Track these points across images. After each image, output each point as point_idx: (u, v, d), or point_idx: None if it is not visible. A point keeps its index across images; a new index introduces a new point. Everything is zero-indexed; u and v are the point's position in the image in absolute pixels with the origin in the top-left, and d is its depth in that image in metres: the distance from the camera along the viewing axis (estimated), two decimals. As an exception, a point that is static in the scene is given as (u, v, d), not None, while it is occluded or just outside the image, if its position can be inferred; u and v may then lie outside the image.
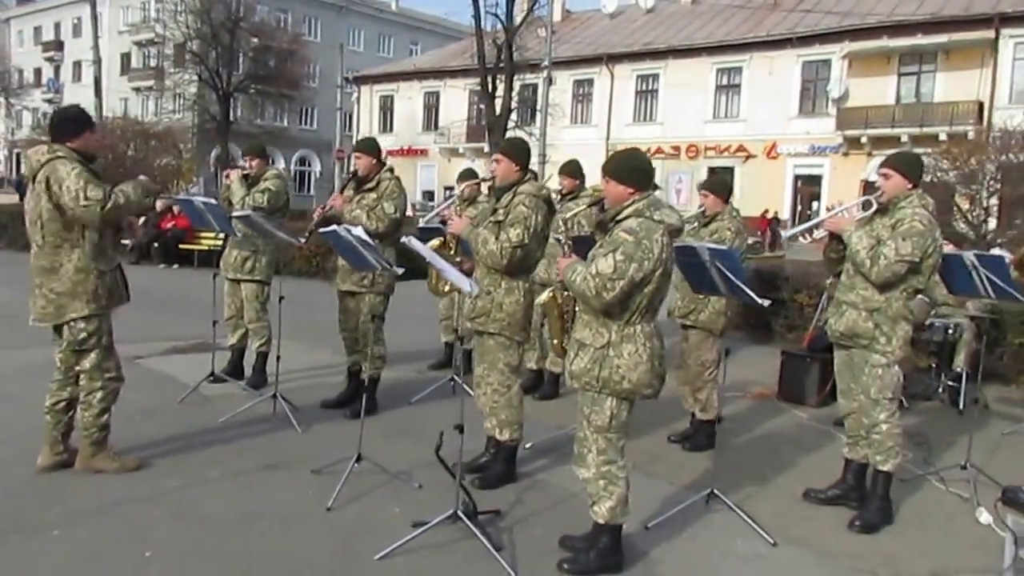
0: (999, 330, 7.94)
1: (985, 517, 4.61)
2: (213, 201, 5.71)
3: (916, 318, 7.52)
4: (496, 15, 27.43)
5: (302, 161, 52.68)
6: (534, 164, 23.70)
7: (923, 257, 4.19)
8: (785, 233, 4.77)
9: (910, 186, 4.31)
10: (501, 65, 27.48)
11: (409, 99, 42.81)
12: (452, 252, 4.71)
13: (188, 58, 37.53)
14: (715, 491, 4.48)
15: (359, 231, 4.14)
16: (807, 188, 32.00)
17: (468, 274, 4.71)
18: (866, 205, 4.41)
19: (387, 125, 43.86)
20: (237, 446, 5.16)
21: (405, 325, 7.76)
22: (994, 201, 16.45)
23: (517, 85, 31.61)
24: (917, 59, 28.90)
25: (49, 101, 55.16)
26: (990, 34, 26.81)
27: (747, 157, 32.92)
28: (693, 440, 5.77)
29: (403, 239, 4.04)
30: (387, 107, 44.07)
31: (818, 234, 4.54)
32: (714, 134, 33.67)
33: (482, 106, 29.10)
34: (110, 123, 22.03)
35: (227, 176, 6.37)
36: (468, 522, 3.87)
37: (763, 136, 32.35)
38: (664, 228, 3.44)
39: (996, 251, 12.66)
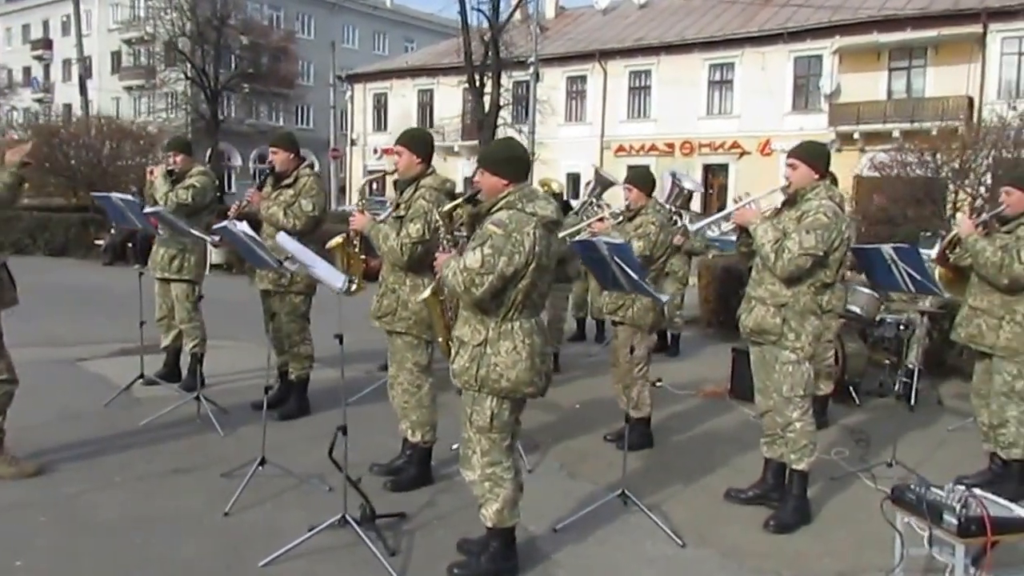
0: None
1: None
2: (131, 197, 5.63)
3: (867, 314, 7.50)
4: (482, 12, 27.34)
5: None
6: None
7: (828, 250, 4.09)
8: (691, 227, 4.68)
9: (817, 177, 4.21)
10: (489, 63, 27.36)
11: (403, 97, 42.68)
12: (356, 249, 4.62)
13: (175, 56, 37.37)
14: (626, 492, 4.39)
15: (244, 226, 4.04)
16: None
17: (376, 272, 4.64)
18: (774, 195, 4.30)
19: (381, 123, 43.73)
20: (151, 450, 5.08)
21: (360, 324, 7.69)
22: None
23: (509, 83, 31.57)
24: (907, 54, 28.70)
25: (40, 100, 55.18)
26: (978, 29, 26.61)
27: (741, 154, 32.70)
28: (627, 439, 5.66)
29: (223, 223, 3.95)
30: (381, 105, 43.95)
31: (726, 226, 4.44)
32: (708, 131, 33.46)
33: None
34: (87, 122, 22.00)
35: (151, 172, 6.27)
36: (356, 526, 3.78)
37: (757, 132, 32.14)
38: (537, 221, 3.34)
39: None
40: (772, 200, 4.32)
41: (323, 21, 52.23)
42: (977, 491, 3.35)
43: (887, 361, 7.73)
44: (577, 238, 4.86)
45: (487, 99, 27.86)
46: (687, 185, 8.23)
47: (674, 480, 5.05)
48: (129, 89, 50.27)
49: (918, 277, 4.69)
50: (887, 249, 4.75)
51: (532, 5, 27.95)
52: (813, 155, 4.25)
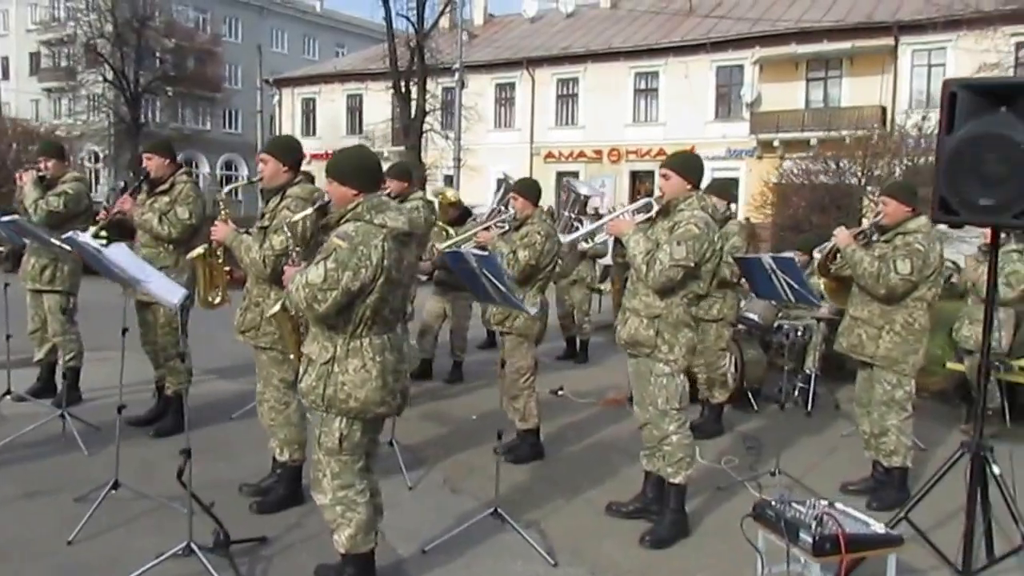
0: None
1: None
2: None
3: (764, 321, 7.54)
4: (407, 18, 27.12)
5: (228, 165, 51.43)
6: (449, 168, 23.34)
7: (700, 261, 4.03)
8: (564, 239, 4.59)
9: (689, 187, 4.15)
10: (415, 69, 27.13)
11: (332, 102, 42.07)
12: (220, 260, 4.41)
13: (93, 58, 36.17)
14: (499, 509, 4.26)
15: (87, 236, 3.80)
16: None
17: (241, 283, 4.43)
18: (647, 207, 4.23)
19: (310, 128, 43.02)
20: (5, 472, 4.77)
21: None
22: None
23: (438, 88, 31.36)
24: (824, 65, 29.40)
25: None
26: (890, 41, 27.39)
27: (667, 160, 33.05)
28: (516, 452, 5.56)
29: (69, 234, 3.72)
30: (309, 110, 43.25)
31: (600, 237, 4.35)
32: (635, 138, 33.75)
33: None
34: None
35: (19, 178, 5.93)
36: (201, 554, 3.57)
37: (682, 140, 32.38)
38: (387, 233, 3.18)
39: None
40: (647, 211, 4.24)
41: (251, 24, 51.21)
42: (839, 506, 3.32)
43: (786, 367, 7.78)
44: (450, 248, 4.74)
45: (414, 105, 27.58)
46: (582, 191, 8.18)
47: (558, 494, 4.94)
48: (48, 91, 48.57)
49: (796, 287, 4.67)
50: (767, 259, 4.73)
51: (459, 12, 27.69)
52: (686, 166, 4.19)
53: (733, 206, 27.51)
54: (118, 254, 3.50)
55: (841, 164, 12.93)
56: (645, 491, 4.56)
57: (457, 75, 25.23)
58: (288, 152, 4.32)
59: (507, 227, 5.48)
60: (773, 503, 3.24)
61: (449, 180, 27.79)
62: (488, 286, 3.93)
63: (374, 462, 3.58)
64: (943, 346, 7.68)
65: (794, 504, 3.21)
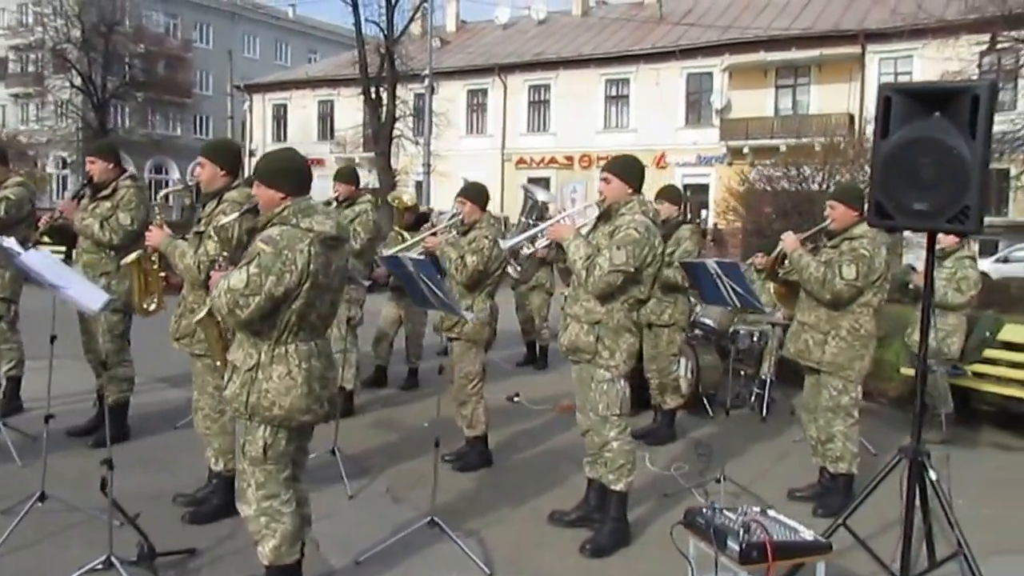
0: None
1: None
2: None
3: (720, 326, 7.53)
4: (377, 24, 27.02)
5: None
6: (420, 174, 23.08)
7: (640, 266, 3.99)
8: (504, 244, 4.52)
9: (630, 191, 4.12)
10: (385, 75, 27.03)
11: (303, 108, 41.87)
12: (155, 266, 4.31)
13: (60, 64, 35.71)
14: (435, 518, 4.18)
15: (11, 241, 3.69)
16: (695, 197, 32.43)
17: (179, 289, 4.34)
18: (589, 210, 4.19)
19: (281, 134, 42.80)
20: (-67, 484, 4.63)
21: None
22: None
23: (410, 95, 31.26)
24: (792, 72, 29.72)
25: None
26: (857, 50, 27.76)
27: (638, 167, 33.17)
28: (464, 459, 5.49)
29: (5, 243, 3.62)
30: (280, 116, 43.01)
31: (541, 242, 4.31)
32: (606, 144, 33.75)
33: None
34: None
35: None
36: (120, 568, 3.47)
37: (653, 146, 32.60)
38: (313, 237, 3.11)
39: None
40: (588, 215, 4.20)
41: (223, 30, 50.84)
42: (771, 513, 3.28)
43: (743, 372, 7.79)
44: (389, 253, 4.67)
45: (384, 111, 27.47)
46: (540, 196, 8.12)
47: (503, 502, 4.88)
48: (16, 97, 47.98)
49: (741, 292, 4.65)
50: (712, 264, 4.71)
51: (429, 18, 27.64)
52: (627, 170, 4.16)
53: (704, 212, 27.74)
54: (34, 259, 3.40)
55: (803, 170, 13.02)
56: (588, 499, 4.50)
57: (427, 81, 25.15)
58: (226, 155, 4.24)
59: (455, 232, 5.42)
60: (704, 510, 3.19)
61: (419, 186, 27.67)
62: (426, 290, 3.87)
63: (302, 471, 3.50)
64: (898, 351, 7.70)
65: (725, 511, 3.17)
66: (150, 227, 4.20)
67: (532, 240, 4.30)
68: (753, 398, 7.46)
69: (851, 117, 27.52)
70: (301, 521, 3.37)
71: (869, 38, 27.72)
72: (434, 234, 5.44)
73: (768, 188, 12.94)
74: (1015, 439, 6.89)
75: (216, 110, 46.25)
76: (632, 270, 3.95)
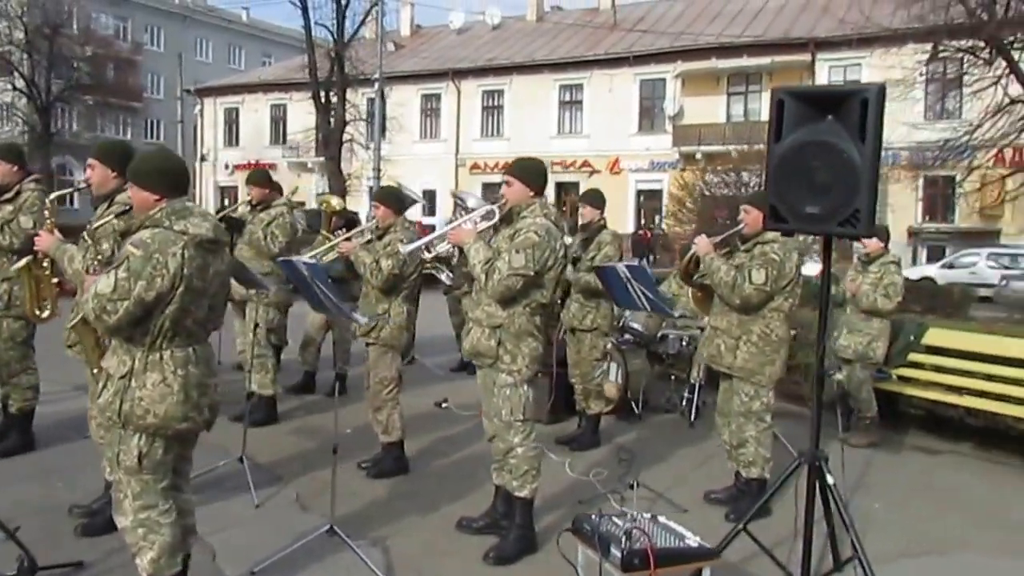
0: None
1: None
2: None
3: (648, 330, 7.52)
4: (327, 27, 26.81)
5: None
6: (371, 179, 22.74)
7: (541, 270, 3.94)
8: (403, 248, 4.44)
9: (532, 194, 4.07)
10: (334, 79, 26.81)
11: (255, 112, 41.44)
12: (48, 272, 4.17)
13: (2, 66, 34.83)
14: (334, 527, 4.09)
15: None
16: (649, 203, 32.72)
17: (74, 295, 4.19)
18: (489, 215, 4.13)
19: (233, 139, 42.36)
20: None
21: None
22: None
23: (363, 99, 31.04)
24: (744, 79, 30.09)
25: None
26: (807, 57, 28.17)
27: (592, 172, 33.34)
28: (379, 466, 5.40)
29: None
30: (232, 120, 42.53)
31: (442, 247, 4.24)
32: (559, 149, 33.95)
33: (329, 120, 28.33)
34: None
35: None
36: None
37: (606, 152, 32.88)
38: (188, 240, 3.01)
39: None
40: (490, 219, 4.14)
41: (174, 33, 50.07)
42: (661, 519, 3.24)
43: (673, 377, 7.79)
44: (295, 258, 4.57)
45: (334, 115, 27.24)
46: (470, 203, 8.08)
47: (414, 509, 4.79)
48: (-39, 100, 46.88)
49: (651, 296, 4.62)
50: (621, 268, 4.68)
51: (379, 22, 27.47)
52: (529, 172, 4.10)
53: (657, 218, 27.78)
54: None
55: (742, 175, 13.14)
56: (495, 505, 4.44)
57: (376, 85, 25.00)
58: (117, 157, 4.10)
59: (371, 237, 5.33)
60: (592, 517, 3.14)
61: (372, 191, 27.44)
62: (320, 295, 3.78)
63: (185, 481, 3.39)
64: (827, 356, 7.74)
65: (613, 518, 3.12)
66: (40, 231, 4.05)
67: (435, 243, 4.22)
68: (684, 403, 7.46)
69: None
70: (183, 532, 3.25)
71: (819, 46, 28.17)
72: (348, 239, 5.35)
73: (707, 193, 13.02)
74: (940, 442, 6.96)
75: (167, 114, 45.58)
76: (532, 274, 3.90)
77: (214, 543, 4.16)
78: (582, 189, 33.62)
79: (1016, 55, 16.41)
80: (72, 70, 36.49)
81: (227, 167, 41.36)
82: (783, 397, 8.35)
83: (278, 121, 40.70)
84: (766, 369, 4.72)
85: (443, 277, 8.84)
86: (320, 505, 4.79)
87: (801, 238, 4.70)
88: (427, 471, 5.57)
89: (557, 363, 6.71)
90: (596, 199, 6.19)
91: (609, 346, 7.46)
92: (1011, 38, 16.28)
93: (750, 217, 4.84)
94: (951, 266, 23.33)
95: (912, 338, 7.14)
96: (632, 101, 32.41)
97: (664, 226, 28.91)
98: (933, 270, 23.42)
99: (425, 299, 6.86)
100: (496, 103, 35.36)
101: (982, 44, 16.83)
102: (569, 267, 6.10)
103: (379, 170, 25.07)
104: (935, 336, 7.16)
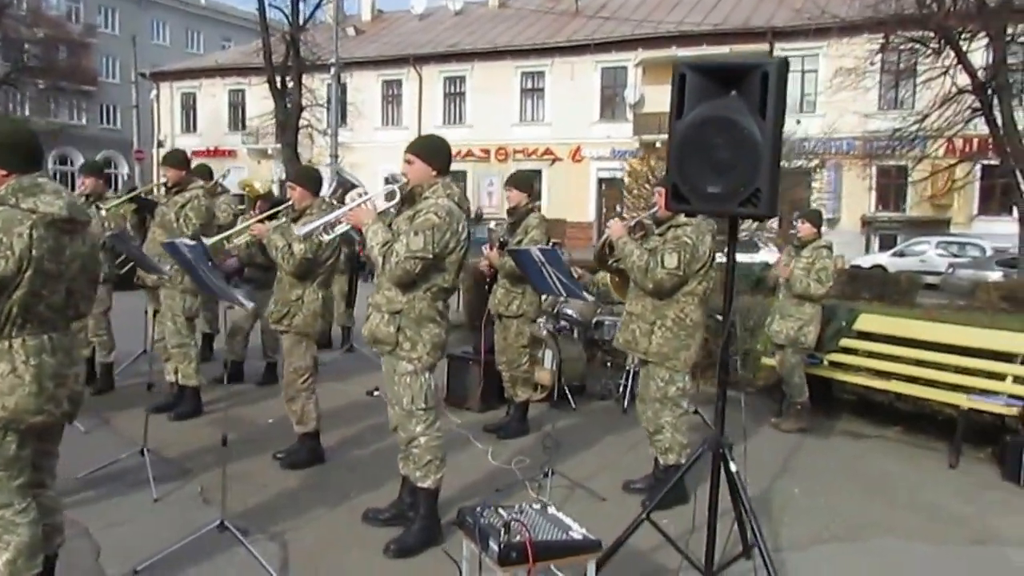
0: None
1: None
2: None
3: (583, 317, 7.42)
4: (281, 10, 26.30)
5: (107, 162, 49.22)
6: (328, 165, 22.29)
7: (442, 253, 3.80)
8: (299, 230, 4.27)
9: (435, 173, 3.92)
10: (290, 64, 26.36)
11: (213, 97, 40.69)
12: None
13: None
14: (225, 522, 3.93)
15: None
16: (611, 191, 32.65)
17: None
18: (390, 195, 3.98)
19: (190, 124, 41.59)
20: None
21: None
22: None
23: (323, 85, 30.58)
24: (704, 68, 30.07)
25: None
26: (765, 46, 28.16)
27: (554, 160, 33.24)
28: (293, 457, 5.24)
29: None
30: (190, 105, 41.72)
31: (340, 228, 4.07)
32: (521, 137, 33.80)
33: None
34: None
35: None
36: None
37: (568, 140, 32.74)
38: (37, 219, 2.82)
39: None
40: (391, 199, 3.99)
41: (129, 16, 49.00)
42: (551, 510, 3.13)
43: (608, 363, 7.70)
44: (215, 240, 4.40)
45: (289, 101, 26.81)
46: (349, 179, 7.94)
47: (322, 501, 4.65)
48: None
49: (565, 281, 4.50)
50: (535, 251, 4.55)
51: (338, 5, 27.04)
52: (430, 151, 3.95)
53: (618, 206, 27.52)
54: None
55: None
56: (402, 497, 4.31)
57: (333, 70, 24.63)
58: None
59: (286, 219, 5.16)
60: (476, 509, 3.02)
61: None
62: (204, 278, 3.61)
63: (50, 477, 3.20)
64: (764, 342, 7.72)
65: (499, 510, 3.00)
66: None
67: (332, 225, 4.06)
68: (619, 389, 7.38)
69: (760, 113, 27.97)
70: (46, 532, 3.07)
71: (777, 36, 28.19)
72: (262, 221, 5.16)
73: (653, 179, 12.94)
74: (869, 427, 6.96)
75: (123, 98, 44.65)
76: (431, 257, 3.75)
77: (102, 540, 4.00)
78: (544, 177, 33.66)
79: (964, 45, 16.53)
80: (19, 52, 35.56)
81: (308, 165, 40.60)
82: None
83: (237, 107, 40.02)
84: (681, 354, 4.63)
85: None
86: (229, 499, 4.62)
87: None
88: (343, 461, 5.41)
89: (487, 350, 6.59)
90: (522, 182, 6.05)
91: (544, 333, 7.38)
92: (959, 29, 16.39)
93: (663, 199, 4.72)
94: (902, 254, 23.55)
95: (844, 323, 7.12)
96: (594, 89, 32.28)
97: (624, 214, 28.87)
98: (884, 258, 23.64)
99: (366, 287, 6.68)
100: (458, 90, 35.05)
101: (931, 34, 16.95)
102: (495, 252, 6.00)
103: (336, 156, 24.73)
104: (866, 322, 7.15)
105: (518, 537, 2.77)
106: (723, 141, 3.27)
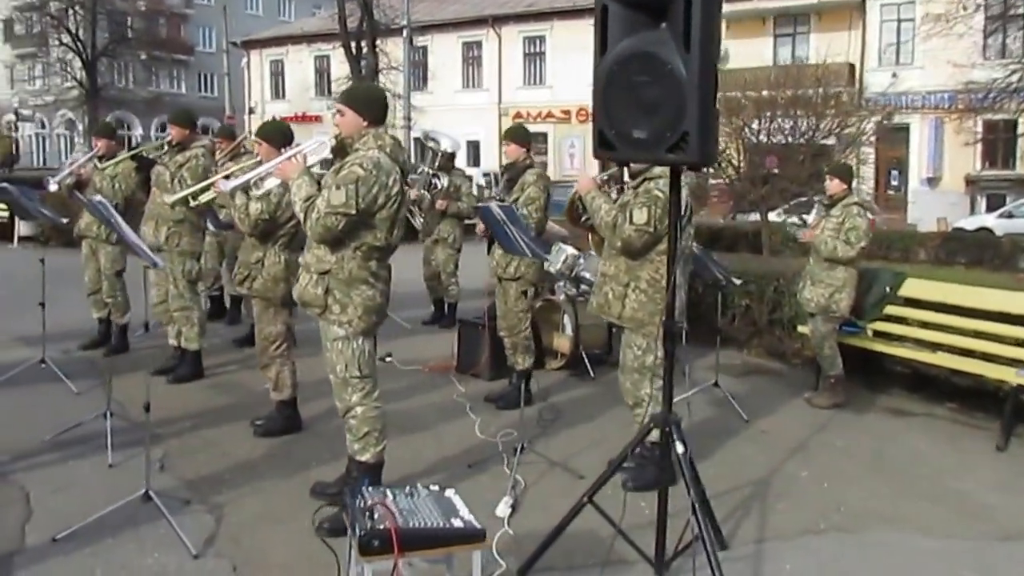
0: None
1: (502, 510, 4.04)
2: None
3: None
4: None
5: (204, 130, 50.70)
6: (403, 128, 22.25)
7: (370, 209, 3.49)
8: (225, 186, 3.97)
9: (366, 124, 3.59)
10: (364, 28, 26.34)
11: (299, 63, 41.16)
12: None
13: (48, 22, 35.28)
14: (150, 492, 3.77)
15: None
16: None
17: None
18: (320, 148, 3.69)
19: (279, 91, 42.25)
20: None
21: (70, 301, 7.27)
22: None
23: (400, 48, 30.51)
24: (791, 21, 28.58)
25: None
26: (859, -8, 26.60)
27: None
28: (267, 425, 5.08)
29: None
30: (278, 72, 42.35)
31: (269, 182, 3.81)
32: (602, 97, 33.02)
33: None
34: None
35: None
36: None
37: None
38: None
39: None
40: (321, 152, 3.70)
41: (224, -14, 50.01)
42: (448, 492, 2.83)
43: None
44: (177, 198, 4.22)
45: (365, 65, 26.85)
46: (444, 145, 7.61)
47: (276, 473, 4.46)
48: (22, 58, 47.90)
49: (527, 241, 4.13)
50: (495, 209, 4.19)
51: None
52: (360, 100, 3.62)
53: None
54: None
55: (799, 123, 12.52)
56: (349, 471, 4.06)
57: (405, 32, 24.48)
58: None
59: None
60: (358, 489, 2.74)
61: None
62: (120, 232, 3.42)
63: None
64: (798, 310, 7.13)
65: (384, 491, 2.71)
66: None
67: (261, 179, 3.80)
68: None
69: (851, 67, 26.47)
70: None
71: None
72: (227, 176, 4.95)
73: (765, 139, 12.42)
74: (918, 403, 6.34)
75: (218, 67, 45.71)
76: (354, 212, 3.45)
77: (42, 506, 3.91)
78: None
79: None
80: (119, 25, 36.84)
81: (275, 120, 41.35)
82: (763, 353, 7.81)
83: (322, 73, 40.37)
84: (657, 319, 4.19)
85: (416, 223, 8.43)
86: (185, 466, 4.50)
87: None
88: (318, 431, 5.17)
89: (490, 316, 6.27)
90: (520, 136, 5.67)
91: (563, 297, 7.01)
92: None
93: None
94: (1010, 215, 22.00)
95: (888, 289, 6.47)
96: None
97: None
98: (991, 220, 22.11)
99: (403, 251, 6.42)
100: (537, 50, 34.41)
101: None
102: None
103: (409, 119, 24.65)
104: (913, 288, 6.47)
105: (383, 524, 2.47)
106: (647, 80, 2.86)
